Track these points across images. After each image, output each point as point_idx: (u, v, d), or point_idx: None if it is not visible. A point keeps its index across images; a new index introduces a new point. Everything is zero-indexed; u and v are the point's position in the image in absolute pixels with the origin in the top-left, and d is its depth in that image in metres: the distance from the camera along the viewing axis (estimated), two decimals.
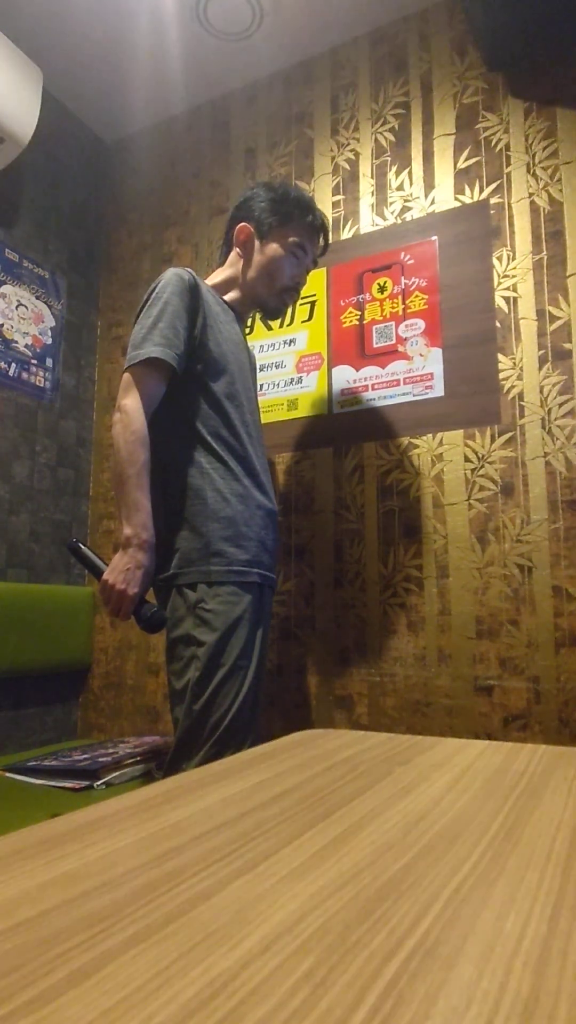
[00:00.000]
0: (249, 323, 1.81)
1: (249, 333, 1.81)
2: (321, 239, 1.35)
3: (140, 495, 1.09)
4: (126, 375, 1.13)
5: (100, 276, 2.17)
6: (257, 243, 1.29)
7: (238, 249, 1.30)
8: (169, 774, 1.09)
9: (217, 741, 1.06)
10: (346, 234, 1.74)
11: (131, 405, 1.10)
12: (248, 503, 1.18)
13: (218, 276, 1.33)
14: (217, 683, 1.07)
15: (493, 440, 1.46)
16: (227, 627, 1.10)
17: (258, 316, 1.62)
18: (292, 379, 1.73)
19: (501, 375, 1.48)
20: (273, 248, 1.28)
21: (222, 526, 1.14)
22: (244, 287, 1.30)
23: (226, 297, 1.30)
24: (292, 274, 1.30)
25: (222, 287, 1.31)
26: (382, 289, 1.65)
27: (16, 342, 1.83)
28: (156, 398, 1.14)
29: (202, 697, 1.07)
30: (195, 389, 1.18)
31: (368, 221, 1.71)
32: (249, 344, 1.42)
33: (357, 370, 1.65)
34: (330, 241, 1.37)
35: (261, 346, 1.80)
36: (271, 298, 1.31)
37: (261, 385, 1.75)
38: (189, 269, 1.22)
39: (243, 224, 1.29)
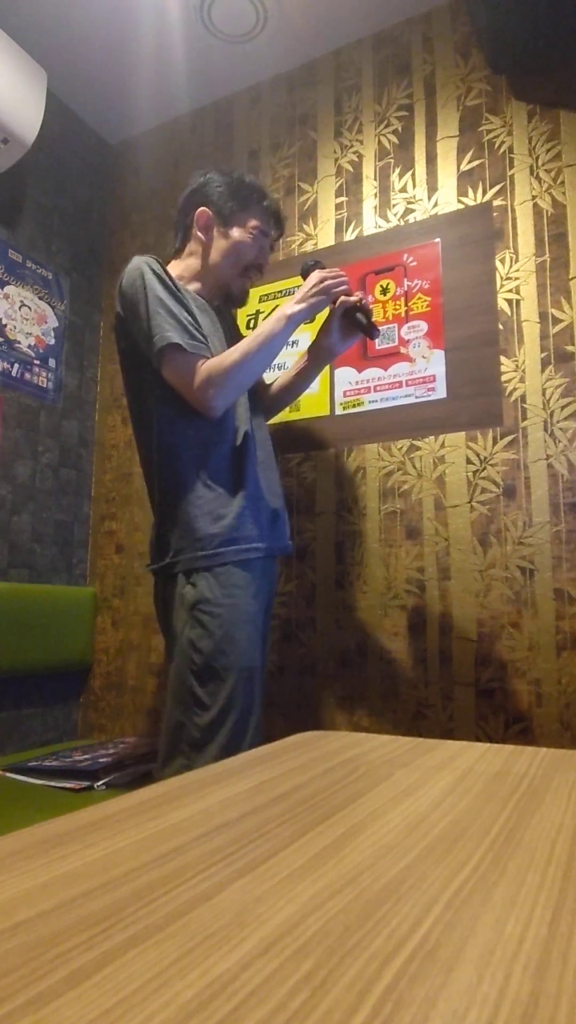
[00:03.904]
0: (250, 323, 1.81)
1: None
2: (275, 223, 1.35)
3: (263, 327, 1.16)
4: (174, 368, 1.13)
5: (103, 277, 2.17)
6: (218, 228, 1.29)
7: (200, 234, 1.29)
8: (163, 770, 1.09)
9: (215, 742, 1.06)
10: (349, 236, 1.74)
11: (198, 375, 1.12)
12: (240, 491, 1.17)
13: (181, 265, 1.32)
14: (213, 682, 1.07)
15: (495, 442, 1.46)
16: (224, 630, 1.08)
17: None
18: None
19: (503, 377, 1.48)
20: (236, 232, 1.28)
21: (208, 512, 1.13)
22: (210, 272, 1.30)
23: (190, 287, 1.29)
24: (255, 255, 1.31)
25: (188, 278, 1.30)
26: (385, 291, 1.65)
27: (19, 342, 1.84)
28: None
29: (198, 697, 1.07)
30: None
31: (371, 223, 1.72)
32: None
33: (359, 372, 1.65)
34: (284, 232, 1.39)
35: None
36: (235, 279, 1.31)
37: None
38: (154, 259, 1.21)
39: (202, 209, 1.29)
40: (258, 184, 1.33)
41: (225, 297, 1.33)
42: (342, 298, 1.25)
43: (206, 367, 1.12)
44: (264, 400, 1.39)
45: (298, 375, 1.38)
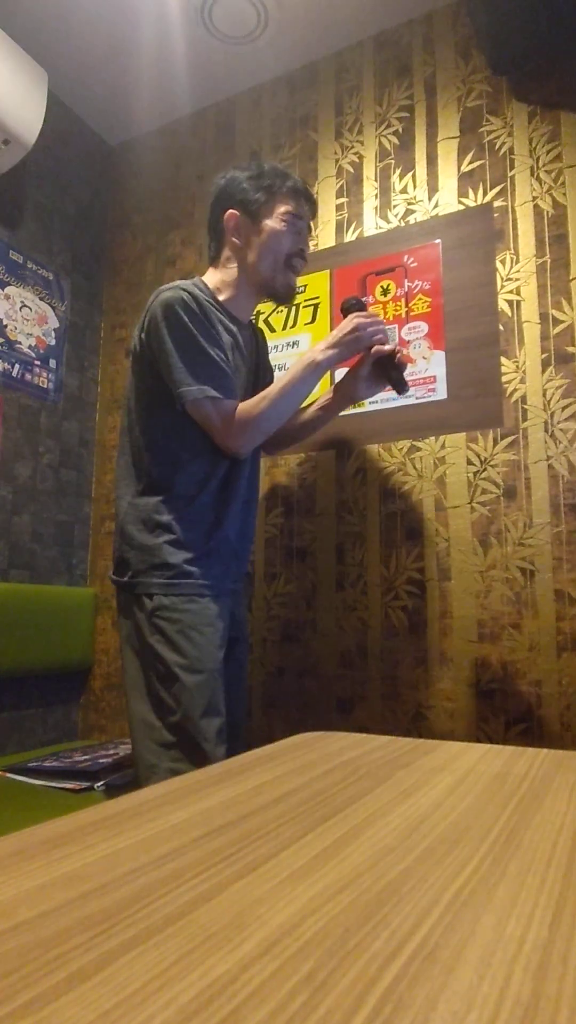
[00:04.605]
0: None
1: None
2: (305, 201, 1.29)
3: (291, 373, 1.16)
4: (206, 413, 1.13)
5: (104, 278, 2.17)
6: (250, 226, 1.24)
7: (232, 238, 1.25)
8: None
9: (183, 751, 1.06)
10: (350, 236, 1.74)
11: (229, 421, 1.13)
12: (215, 532, 1.17)
13: (218, 275, 1.27)
14: (173, 688, 1.07)
15: (496, 443, 1.46)
16: (183, 634, 1.09)
17: (264, 315, 1.62)
18: None
19: (504, 378, 1.48)
20: (269, 225, 1.23)
21: (175, 540, 1.13)
22: (251, 274, 1.25)
23: (224, 298, 1.25)
24: (293, 241, 1.26)
25: (226, 288, 1.26)
26: (385, 292, 1.65)
27: (20, 343, 1.84)
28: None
29: (162, 700, 1.07)
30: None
31: (372, 224, 1.72)
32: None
33: None
34: (317, 207, 1.35)
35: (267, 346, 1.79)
36: (279, 274, 1.26)
37: None
38: (186, 289, 1.16)
39: (230, 211, 1.24)
40: (279, 168, 1.28)
41: (272, 295, 1.29)
42: (376, 348, 1.22)
43: (237, 415, 1.13)
44: (279, 435, 1.38)
45: (322, 409, 1.36)
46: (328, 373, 1.40)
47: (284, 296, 1.30)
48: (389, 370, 1.23)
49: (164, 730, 1.07)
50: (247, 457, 1.23)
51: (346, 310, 1.26)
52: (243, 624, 1.32)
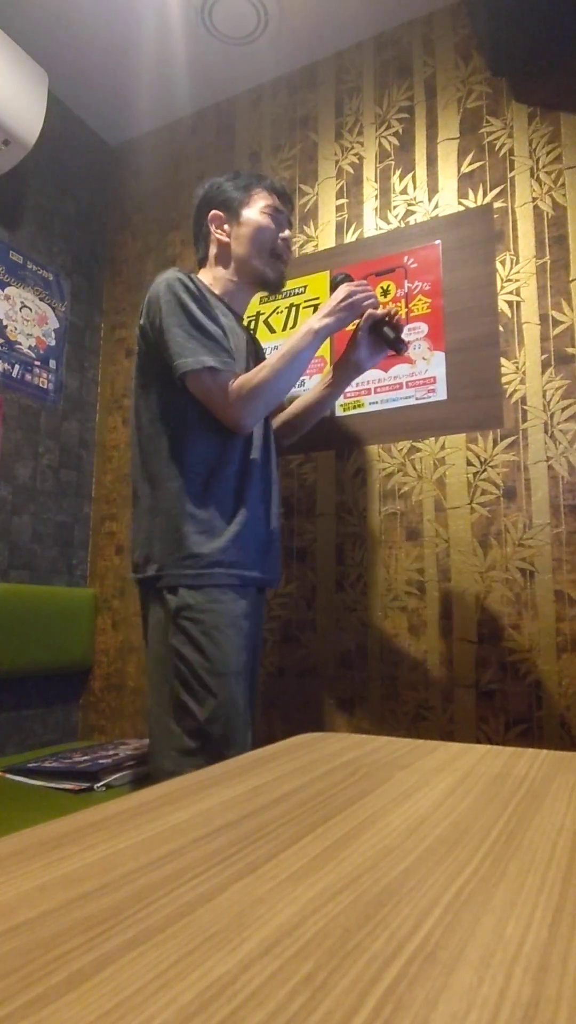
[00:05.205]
0: (252, 326, 1.81)
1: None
2: (281, 196, 1.34)
3: (290, 343, 1.16)
4: (206, 387, 1.12)
5: (104, 278, 2.17)
6: (232, 221, 1.29)
7: (218, 235, 1.29)
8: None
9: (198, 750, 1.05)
10: (350, 237, 1.74)
11: (230, 393, 1.12)
12: (237, 515, 1.16)
13: (208, 274, 1.32)
14: (199, 689, 1.06)
15: (495, 444, 1.46)
16: (207, 636, 1.07)
17: (258, 303, 1.61)
18: None
19: (504, 379, 1.48)
20: (249, 217, 1.28)
21: (202, 531, 1.12)
22: (240, 266, 1.29)
23: (218, 292, 1.28)
24: (276, 231, 1.30)
25: (217, 283, 1.30)
26: (385, 292, 1.65)
27: (20, 344, 1.84)
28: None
29: (185, 704, 1.06)
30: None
31: (372, 225, 1.72)
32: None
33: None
34: (294, 205, 1.40)
35: (263, 349, 1.79)
36: (268, 265, 1.29)
37: None
38: (184, 273, 1.20)
39: (213, 212, 1.30)
40: (253, 171, 1.35)
41: (263, 284, 1.32)
42: (369, 311, 1.24)
43: (237, 385, 1.12)
44: (287, 422, 1.40)
45: (327, 388, 1.37)
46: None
47: (275, 282, 1.33)
48: (385, 331, 1.25)
49: (185, 736, 1.05)
50: (261, 445, 1.22)
51: (334, 285, 1.28)
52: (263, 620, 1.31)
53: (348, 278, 1.29)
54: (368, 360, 1.32)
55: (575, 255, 1.45)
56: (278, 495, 1.30)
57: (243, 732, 1.08)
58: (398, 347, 1.24)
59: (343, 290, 1.22)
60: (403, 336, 1.28)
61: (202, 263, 1.34)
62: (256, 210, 1.29)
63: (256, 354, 1.37)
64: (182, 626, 1.08)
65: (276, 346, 1.76)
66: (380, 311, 1.25)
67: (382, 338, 1.26)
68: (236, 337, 1.24)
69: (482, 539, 1.44)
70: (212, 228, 1.30)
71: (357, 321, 1.26)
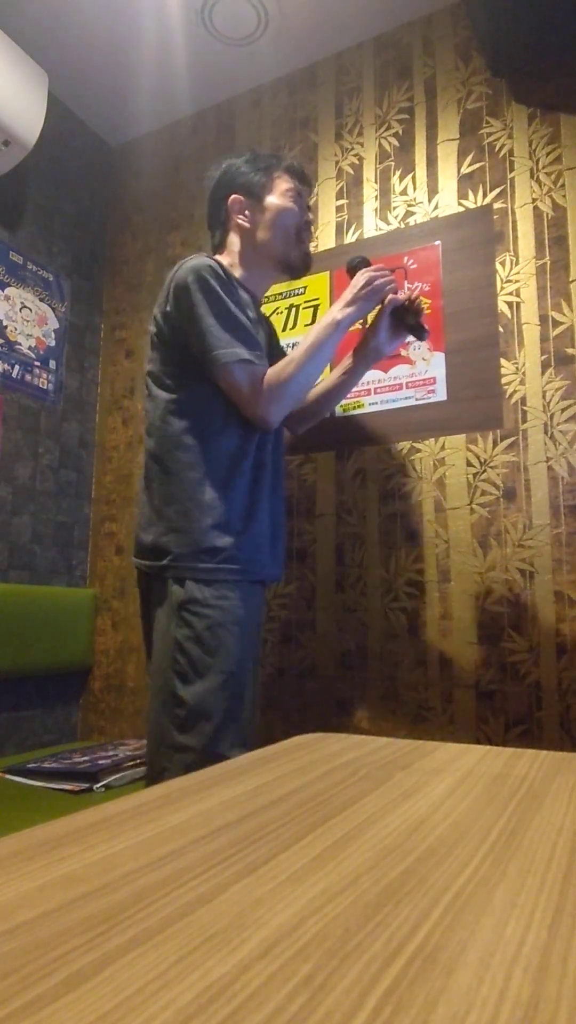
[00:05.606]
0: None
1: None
2: (302, 178, 1.31)
3: (314, 335, 1.15)
4: (237, 381, 1.11)
5: (104, 279, 2.17)
6: (255, 206, 1.26)
7: (239, 220, 1.26)
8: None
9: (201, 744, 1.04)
10: (350, 238, 1.74)
11: (260, 389, 1.11)
12: (252, 511, 1.15)
13: (226, 260, 1.28)
14: (197, 684, 1.05)
15: (495, 445, 1.46)
16: (211, 631, 1.06)
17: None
18: None
19: (504, 380, 1.48)
20: (272, 202, 1.25)
21: (218, 525, 1.10)
22: (262, 253, 1.26)
23: (238, 276, 1.25)
24: (300, 215, 1.28)
25: (235, 269, 1.26)
26: None
27: (20, 344, 1.84)
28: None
29: (180, 698, 1.05)
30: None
31: (372, 226, 1.72)
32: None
33: None
34: (313, 185, 1.37)
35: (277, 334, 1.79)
36: (292, 249, 1.27)
37: None
38: (211, 257, 1.17)
39: (233, 196, 1.26)
40: (272, 153, 1.31)
41: (288, 268, 1.29)
42: (390, 296, 1.23)
43: (267, 381, 1.11)
44: (305, 408, 1.38)
45: (345, 374, 1.35)
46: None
47: (301, 266, 1.30)
48: (406, 317, 1.24)
49: (176, 733, 1.04)
50: (273, 437, 1.21)
51: (353, 268, 1.26)
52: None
53: (365, 262, 1.27)
54: (387, 345, 1.31)
55: (575, 256, 1.45)
56: (284, 486, 1.30)
57: (242, 731, 1.07)
58: (419, 333, 1.23)
59: (362, 276, 1.20)
60: (423, 321, 1.26)
61: (218, 248, 1.31)
62: (279, 194, 1.26)
63: (271, 342, 1.35)
64: (187, 619, 1.07)
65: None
66: (401, 296, 1.24)
67: (403, 323, 1.25)
68: (258, 327, 1.23)
69: (482, 540, 1.44)
70: (233, 213, 1.26)
71: (380, 306, 1.25)
